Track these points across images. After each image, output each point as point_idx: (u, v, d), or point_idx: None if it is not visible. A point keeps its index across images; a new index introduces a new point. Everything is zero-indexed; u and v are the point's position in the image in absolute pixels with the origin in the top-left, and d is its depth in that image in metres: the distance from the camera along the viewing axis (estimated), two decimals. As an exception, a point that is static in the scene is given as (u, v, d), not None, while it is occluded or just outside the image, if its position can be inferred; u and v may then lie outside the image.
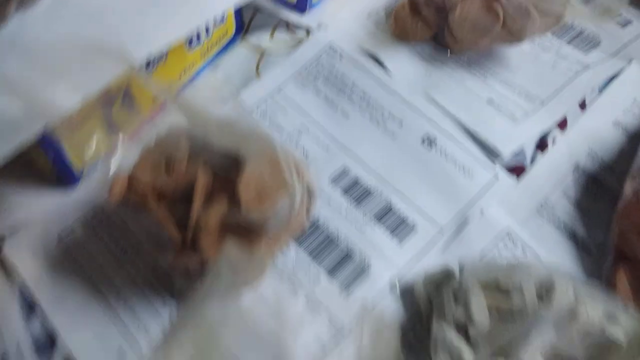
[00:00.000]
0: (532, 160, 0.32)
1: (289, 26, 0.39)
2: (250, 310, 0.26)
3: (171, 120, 0.26)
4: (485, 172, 0.31)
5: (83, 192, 0.30)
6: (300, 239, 0.29)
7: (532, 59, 0.36)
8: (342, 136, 0.33)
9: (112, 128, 0.31)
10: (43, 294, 0.27)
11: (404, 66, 0.36)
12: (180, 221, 0.23)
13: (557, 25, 0.33)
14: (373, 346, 0.17)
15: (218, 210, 0.22)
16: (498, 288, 0.22)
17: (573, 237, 0.29)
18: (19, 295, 0.27)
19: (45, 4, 0.24)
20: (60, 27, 0.23)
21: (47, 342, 0.26)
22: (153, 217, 0.23)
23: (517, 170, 0.31)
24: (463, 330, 0.22)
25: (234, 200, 0.22)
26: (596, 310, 0.20)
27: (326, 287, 0.27)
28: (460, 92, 0.34)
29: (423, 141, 0.32)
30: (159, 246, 0.25)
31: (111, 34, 0.23)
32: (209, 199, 0.23)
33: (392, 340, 0.18)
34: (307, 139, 0.33)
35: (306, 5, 0.38)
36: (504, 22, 0.33)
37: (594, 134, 0.32)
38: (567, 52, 0.36)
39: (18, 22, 0.23)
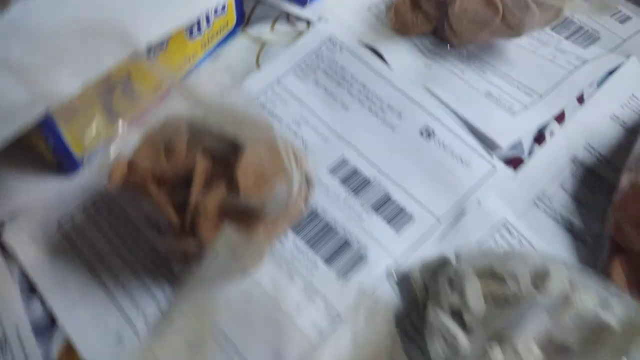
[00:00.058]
0: (530, 153, 0.32)
1: (289, 18, 0.39)
2: (248, 296, 0.26)
3: (172, 107, 0.26)
4: (483, 163, 0.31)
5: (83, 179, 0.30)
6: (298, 228, 0.29)
7: (531, 54, 0.36)
8: (341, 127, 0.33)
9: (112, 115, 0.31)
10: (42, 279, 0.27)
11: (404, 59, 0.36)
12: (179, 206, 0.23)
13: (556, 19, 0.33)
14: (369, 329, 0.17)
15: (217, 195, 0.22)
16: (493, 275, 0.23)
17: (569, 228, 0.29)
18: (19, 279, 0.27)
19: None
20: (64, 12, 0.23)
21: (47, 326, 0.26)
22: (152, 201, 0.23)
23: (514, 162, 0.31)
24: (458, 316, 0.22)
25: (232, 185, 0.23)
26: (590, 296, 0.20)
27: (323, 274, 0.28)
28: (459, 85, 0.34)
29: (422, 133, 0.32)
30: (158, 231, 0.25)
31: (115, 18, 0.23)
32: (208, 184, 0.23)
33: (387, 322, 0.18)
34: (306, 129, 0.33)
35: (307, -3, 0.38)
36: (503, 15, 0.33)
37: (592, 127, 0.32)
38: (566, 47, 0.36)
39: (22, 6, 0.23)
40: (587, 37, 0.37)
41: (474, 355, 0.20)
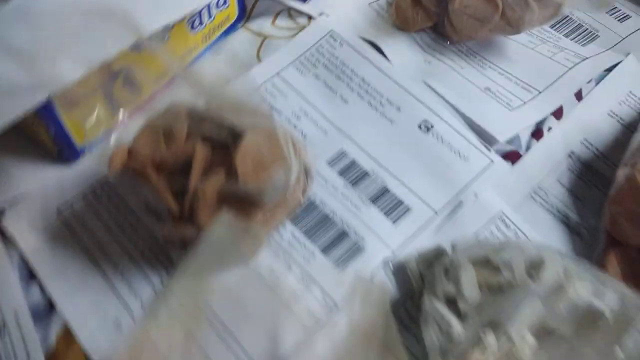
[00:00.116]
0: (527, 147, 0.32)
1: (290, 13, 0.39)
2: (245, 283, 0.26)
3: (174, 96, 0.27)
4: (481, 157, 0.31)
5: (83, 168, 0.31)
6: (296, 219, 0.29)
7: (530, 51, 0.36)
8: (341, 120, 0.33)
9: (113, 105, 0.31)
10: (42, 265, 0.27)
11: (404, 54, 0.36)
12: (178, 193, 0.24)
13: (555, 16, 0.34)
14: (364, 312, 0.18)
15: (216, 182, 0.23)
16: (488, 264, 0.23)
17: (565, 222, 0.29)
18: (18, 265, 0.28)
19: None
20: (69, -2, 0.23)
21: (45, 311, 0.26)
22: (151, 187, 0.23)
23: (512, 156, 0.31)
24: (453, 304, 0.22)
25: (231, 172, 0.23)
26: (584, 285, 0.20)
27: (321, 264, 0.28)
28: (458, 80, 0.35)
29: (420, 126, 0.33)
30: (157, 217, 0.25)
31: (119, 5, 0.24)
32: (207, 171, 0.23)
33: (383, 305, 0.18)
34: (305, 122, 0.33)
35: (309, -8, 0.38)
36: (503, 12, 0.33)
37: (589, 123, 0.33)
38: (564, 45, 0.36)
39: (26, -8, 0.23)
40: (586, 35, 0.37)
41: (468, 342, 0.20)
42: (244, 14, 0.39)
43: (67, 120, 0.29)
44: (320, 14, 0.38)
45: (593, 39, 0.37)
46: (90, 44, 0.24)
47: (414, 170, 0.31)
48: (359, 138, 0.32)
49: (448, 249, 0.27)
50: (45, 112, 0.27)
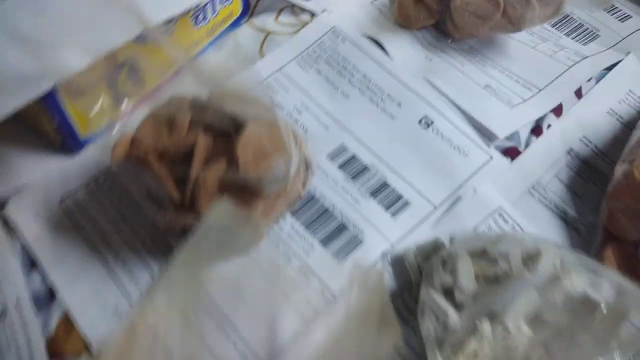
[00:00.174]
0: (527, 144, 0.32)
1: (294, 10, 0.39)
2: (245, 273, 0.27)
3: (178, 88, 0.27)
4: (480, 153, 0.32)
5: (86, 158, 0.31)
6: (296, 211, 0.29)
7: (530, 49, 0.37)
8: (342, 115, 0.33)
9: (117, 97, 0.32)
10: (43, 253, 0.28)
11: (405, 51, 0.36)
12: (180, 181, 0.24)
13: (556, 14, 0.34)
14: (362, 297, 0.18)
15: (217, 170, 0.23)
16: (485, 256, 0.23)
17: (563, 217, 0.29)
18: (20, 252, 0.28)
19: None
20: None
21: (46, 299, 0.27)
22: (153, 175, 0.24)
23: (511, 152, 0.32)
24: (450, 295, 0.23)
25: (232, 161, 0.23)
26: (580, 276, 0.21)
27: (320, 256, 0.28)
28: (459, 77, 0.35)
29: (420, 122, 0.33)
30: (158, 205, 0.25)
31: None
32: (209, 160, 0.24)
33: (380, 291, 0.18)
34: (307, 117, 0.33)
35: (312, -11, 0.39)
36: (504, 10, 0.34)
37: (589, 121, 0.33)
38: (565, 44, 0.37)
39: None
40: (587, 35, 0.37)
41: (464, 331, 0.21)
42: (248, 10, 0.39)
43: (71, 111, 0.29)
44: (323, 11, 0.39)
45: (594, 38, 0.37)
46: (96, 33, 0.24)
47: (414, 165, 0.31)
48: (359, 133, 0.33)
49: (446, 242, 0.27)
50: (50, 102, 0.28)
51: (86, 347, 0.25)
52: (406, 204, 0.30)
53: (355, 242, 0.29)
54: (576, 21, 0.38)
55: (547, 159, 0.31)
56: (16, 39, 0.22)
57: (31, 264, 0.28)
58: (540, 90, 0.34)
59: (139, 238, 0.28)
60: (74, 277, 0.27)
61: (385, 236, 0.29)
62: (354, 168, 0.31)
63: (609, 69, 0.35)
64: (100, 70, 0.29)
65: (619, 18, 0.38)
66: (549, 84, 0.34)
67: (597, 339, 0.20)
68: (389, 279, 0.27)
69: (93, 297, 0.27)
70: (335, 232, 0.29)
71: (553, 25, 0.38)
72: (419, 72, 0.35)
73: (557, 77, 0.35)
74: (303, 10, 0.39)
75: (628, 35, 0.37)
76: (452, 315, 0.21)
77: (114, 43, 0.25)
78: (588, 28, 0.37)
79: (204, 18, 0.35)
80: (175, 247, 0.28)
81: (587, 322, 0.20)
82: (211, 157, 0.24)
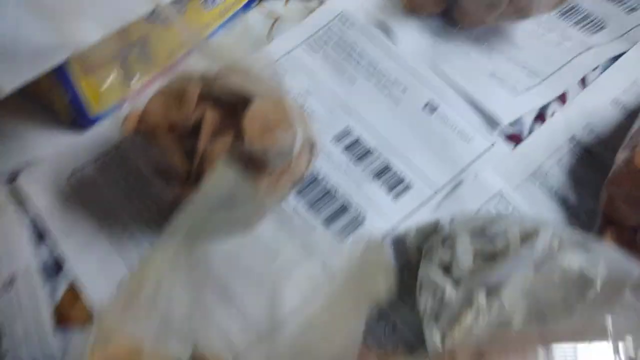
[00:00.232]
0: (530, 131, 0.32)
1: (303, -5, 0.40)
2: (248, 248, 0.27)
3: (188, 69, 0.27)
4: (483, 138, 0.32)
5: (96, 135, 0.32)
6: (300, 191, 0.30)
7: (537, 38, 0.37)
8: (347, 99, 0.34)
9: (128, 75, 0.32)
10: (53, 224, 0.28)
11: (413, 37, 0.37)
12: (187, 155, 0.25)
13: (563, 3, 0.34)
14: (363, 263, 0.18)
15: (224, 143, 0.24)
16: (484, 234, 0.23)
17: (564, 203, 0.30)
18: (30, 223, 0.29)
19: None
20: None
21: (53, 270, 0.27)
22: (162, 147, 0.24)
23: (514, 138, 0.32)
24: (448, 271, 0.23)
25: (239, 135, 0.24)
26: (576, 253, 0.21)
27: (322, 234, 0.28)
28: (465, 64, 0.35)
29: (425, 106, 0.33)
30: (166, 179, 0.26)
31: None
32: (217, 134, 0.24)
33: (381, 254, 0.19)
34: (313, 100, 0.34)
35: (321, -25, 0.39)
36: (511, -2, 0.34)
37: (593, 110, 0.33)
38: (572, 34, 0.37)
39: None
40: (594, 25, 0.37)
41: (460, 305, 0.21)
42: (257, -5, 0.40)
43: (83, 87, 0.30)
44: (332, -3, 0.39)
45: (600, 29, 0.37)
46: (110, 8, 0.25)
47: (417, 149, 0.32)
48: (364, 117, 0.33)
49: (446, 224, 0.27)
50: (62, 77, 0.29)
51: (91, 316, 0.26)
52: (408, 187, 0.30)
53: (357, 223, 0.29)
54: (583, 11, 0.38)
55: (550, 146, 0.32)
56: (33, 9, 0.23)
57: (39, 236, 0.28)
58: (545, 79, 0.34)
59: (147, 212, 0.29)
60: (82, 249, 0.28)
61: (386, 217, 0.29)
62: (357, 151, 0.32)
63: (615, 59, 0.35)
64: (112, 47, 0.30)
65: (626, 10, 0.38)
66: (554, 72, 0.35)
67: (591, 316, 0.20)
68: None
69: (100, 269, 0.27)
70: (338, 213, 0.30)
71: (560, 16, 0.38)
72: (425, 59, 0.36)
73: (562, 66, 0.35)
74: (312, -5, 0.40)
75: (635, 27, 0.37)
76: (449, 289, 0.22)
77: (127, 18, 0.26)
78: (595, 19, 0.37)
79: (214, 1, 0.35)
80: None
81: (582, 299, 0.21)
82: (218, 131, 0.24)
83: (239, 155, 0.23)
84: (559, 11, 0.38)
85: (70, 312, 0.26)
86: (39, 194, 0.30)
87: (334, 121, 0.33)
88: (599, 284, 0.20)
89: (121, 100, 0.32)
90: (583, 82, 0.34)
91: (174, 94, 0.25)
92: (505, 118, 0.32)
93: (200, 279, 0.25)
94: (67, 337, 0.25)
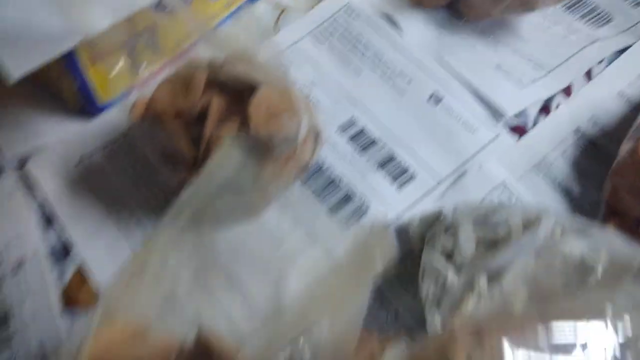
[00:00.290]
0: (535, 123, 0.33)
1: (309, -13, 0.40)
2: (253, 234, 0.28)
3: (195, 55, 0.28)
4: (488, 130, 0.32)
5: (104, 122, 0.32)
6: (305, 179, 0.30)
7: (543, 31, 0.37)
8: (353, 90, 0.34)
9: (135, 65, 0.33)
10: (61, 209, 0.29)
11: (418, 30, 0.37)
12: (194, 142, 0.25)
13: (569, -4, 0.34)
14: (366, 243, 0.18)
15: (230, 129, 0.24)
16: (487, 222, 0.24)
17: (567, 194, 0.30)
18: (38, 208, 0.29)
19: None
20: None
21: (62, 253, 0.28)
22: (169, 133, 0.24)
23: (518, 130, 0.32)
24: (450, 258, 0.23)
25: (245, 122, 0.24)
26: (578, 240, 0.21)
27: (326, 223, 0.29)
28: (471, 56, 0.35)
29: (430, 98, 0.33)
30: (173, 165, 0.26)
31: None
32: (223, 120, 0.25)
33: (385, 238, 0.19)
34: (318, 90, 0.34)
35: (327, -33, 0.39)
36: (517, -9, 0.34)
37: (598, 102, 0.33)
38: (578, 27, 0.37)
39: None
40: (600, 18, 0.37)
41: (461, 290, 0.21)
42: (264, -14, 0.40)
43: (91, 76, 0.30)
44: (339, -11, 0.39)
45: (607, 22, 0.37)
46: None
47: (422, 140, 0.32)
48: (369, 107, 0.33)
49: (449, 213, 0.27)
50: (71, 65, 0.29)
51: (98, 298, 0.26)
52: (412, 177, 0.31)
53: (361, 212, 0.30)
54: (589, 5, 0.38)
55: (554, 138, 0.32)
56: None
57: (48, 220, 0.29)
58: (550, 71, 0.34)
59: (154, 199, 0.29)
60: (89, 234, 0.28)
61: (390, 206, 0.29)
62: (362, 141, 0.32)
63: (620, 52, 0.35)
64: (120, 36, 0.30)
65: (632, 3, 0.38)
66: (559, 65, 0.35)
67: (592, 304, 0.20)
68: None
69: (107, 253, 0.28)
70: (342, 202, 0.30)
71: (566, 9, 0.38)
72: (431, 51, 0.36)
73: (568, 59, 0.35)
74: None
75: (641, 21, 0.37)
76: (451, 275, 0.22)
77: (135, 6, 0.26)
78: (601, 12, 0.37)
79: (221, -8, 0.36)
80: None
81: (583, 286, 0.21)
82: (225, 117, 0.25)
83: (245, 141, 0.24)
84: (565, 4, 0.38)
85: (77, 295, 0.26)
86: (48, 180, 0.30)
87: (339, 112, 0.33)
88: (600, 270, 0.20)
89: (129, 88, 0.33)
90: (588, 75, 0.34)
91: (181, 81, 0.26)
92: (510, 110, 0.32)
93: (205, 264, 0.25)
94: (74, 319, 0.26)
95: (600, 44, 0.36)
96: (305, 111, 0.26)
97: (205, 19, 0.35)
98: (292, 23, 0.37)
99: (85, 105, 0.32)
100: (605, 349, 0.14)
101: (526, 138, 0.32)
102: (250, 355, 0.17)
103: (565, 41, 0.36)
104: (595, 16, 0.37)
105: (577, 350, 0.14)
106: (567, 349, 0.14)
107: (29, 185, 0.30)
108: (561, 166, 0.31)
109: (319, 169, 0.31)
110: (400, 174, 0.31)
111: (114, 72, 0.31)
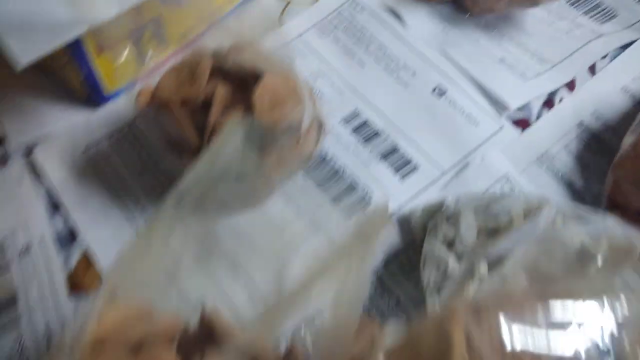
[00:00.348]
0: (538, 116, 0.33)
1: (315, -19, 0.40)
2: (256, 223, 0.28)
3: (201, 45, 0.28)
4: (491, 122, 0.32)
5: (110, 112, 0.33)
6: (308, 170, 0.30)
7: (547, 26, 0.37)
8: (357, 82, 0.34)
9: (140, 55, 0.33)
10: (67, 196, 0.29)
11: (423, 23, 0.37)
12: (199, 129, 0.25)
13: (574, -10, 0.34)
14: (366, 221, 0.18)
15: (234, 117, 0.24)
16: (488, 211, 0.24)
17: (570, 187, 0.30)
18: (45, 195, 0.29)
19: None
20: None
21: (67, 239, 0.28)
22: (174, 119, 0.25)
23: (522, 123, 0.32)
24: (452, 247, 0.23)
25: (249, 110, 0.24)
26: (579, 228, 0.21)
27: (329, 212, 0.29)
28: (475, 50, 0.35)
29: (434, 90, 0.34)
30: (178, 152, 0.27)
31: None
32: (227, 109, 0.25)
33: (385, 217, 0.19)
34: (323, 82, 0.34)
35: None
36: (522, -15, 0.34)
37: (601, 97, 0.33)
38: (582, 22, 0.37)
39: None
40: (605, 14, 0.37)
41: (462, 277, 0.21)
42: (270, -21, 0.40)
43: (98, 65, 0.31)
44: (343, -18, 0.39)
45: (611, 18, 0.37)
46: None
47: (425, 131, 0.32)
48: (373, 99, 0.33)
49: (451, 203, 0.28)
50: (78, 54, 0.29)
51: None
52: (415, 168, 0.31)
53: (364, 202, 0.30)
54: (594, 1, 0.38)
55: (557, 131, 0.32)
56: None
57: (55, 206, 0.29)
58: (554, 66, 0.34)
59: (159, 187, 0.30)
60: (95, 219, 0.29)
61: (393, 197, 0.30)
62: (366, 132, 0.32)
63: (624, 47, 0.35)
64: (126, 26, 0.31)
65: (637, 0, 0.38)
66: (563, 59, 0.35)
67: (592, 291, 0.21)
68: (395, 239, 0.28)
69: (112, 238, 0.28)
70: (345, 192, 0.30)
71: (570, 4, 0.38)
72: (435, 44, 0.36)
73: (572, 53, 0.35)
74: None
75: (646, 16, 0.37)
76: (452, 263, 0.22)
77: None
78: (605, 8, 0.38)
79: (227, -16, 0.36)
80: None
81: (583, 274, 0.21)
82: (229, 105, 0.25)
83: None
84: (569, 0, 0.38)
85: (83, 279, 0.27)
86: (54, 167, 0.30)
87: (343, 103, 0.33)
88: (600, 258, 0.20)
89: (134, 79, 0.33)
90: (592, 69, 0.35)
91: (187, 70, 0.26)
92: (513, 103, 0.33)
93: (208, 249, 0.25)
94: (80, 302, 0.26)
95: (605, 39, 0.36)
96: (309, 100, 0.26)
97: (211, 11, 0.36)
98: (297, 15, 0.37)
99: (92, 94, 0.32)
100: (602, 327, 0.15)
101: (529, 131, 0.32)
102: (253, 333, 0.17)
103: (570, 36, 0.36)
104: (600, 12, 0.37)
105: (573, 327, 0.14)
106: (563, 326, 0.14)
107: (36, 172, 0.30)
108: (564, 159, 0.31)
109: (323, 160, 0.31)
110: (403, 165, 0.31)
111: (119, 63, 0.32)
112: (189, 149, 0.25)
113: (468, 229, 0.23)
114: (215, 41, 0.28)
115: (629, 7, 0.38)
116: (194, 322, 0.20)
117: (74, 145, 0.31)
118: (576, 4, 0.38)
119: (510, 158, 0.31)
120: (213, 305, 0.20)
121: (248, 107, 0.24)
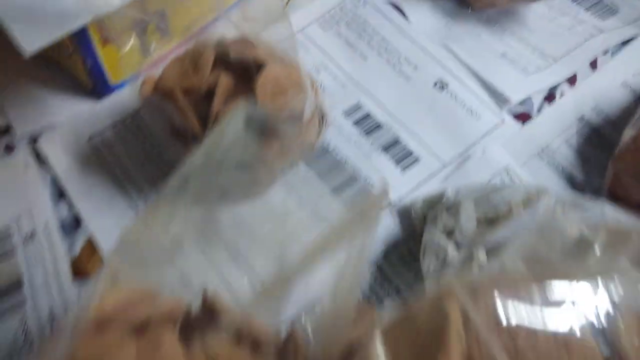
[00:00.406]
0: (539, 110, 0.33)
1: (318, -25, 0.40)
2: (258, 213, 0.28)
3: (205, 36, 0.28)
4: (492, 116, 0.32)
5: (114, 102, 0.33)
6: (310, 161, 0.31)
7: (549, 22, 0.37)
8: (359, 76, 0.35)
9: (145, 47, 0.33)
10: (71, 184, 0.30)
11: (425, 18, 0.37)
12: (202, 119, 0.25)
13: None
14: (363, 204, 0.18)
15: (237, 106, 0.24)
16: (488, 202, 0.24)
17: (570, 180, 0.30)
18: (50, 183, 0.30)
19: None
20: None
21: (72, 227, 0.29)
22: (177, 109, 0.25)
23: (523, 117, 0.32)
24: (451, 236, 0.24)
25: (252, 99, 0.24)
26: (577, 217, 0.21)
27: (330, 203, 0.29)
28: (477, 45, 0.36)
29: (435, 84, 0.34)
30: (181, 142, 0.27)
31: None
32: (230, 98, 0.25)
33: (382, 199, 0.19)
34: (325, 75, 0.35)
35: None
36: (524, -20, 0.34)
37: (602, 92, 0.33)
38: (584, 18, 0.37)
39: None
40: (607, 10, 0.37)
41: (461, 265, 0.22)
42: (274, -27, 0.40)
43: (102, 56, 0.31)
44: (347, -23, 0.39)
45: (613, 14, 0.37)
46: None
47: (426, 124, 0.32)
48: (375, 93, 0.34)
49: (452, 194, 0.28)
50: (83, 44, 0.30)
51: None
52: (416, 160, 0.31)
53: (365, 193, 0.30)
54: (596, -3, 0.38)
55: (558, 125, 0.32)
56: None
57: (59, 194, 0.30)
58: (556, 61, 0.35)
59: (161, 176, 0.30)
60: (98, 207, 0.29)
61: (393, 189, 0.30)
62: (368, 125, 0.32)
63: (625, 43, 0.35)
64: (130, 17, 0.31)
65: (640, -5, 0.38)
66: (565, 54, 0.35)
67: (590, 279, 0.21)
68: (395, 231, 0.28)
69: (115, 227, 0.28)
70: (347, 183, 0.30)
71: (573, 0, 0.38)
72: (437, 39, 0.36)
73: (573, 49, 0.35)
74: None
75: (648, 13, 0.37)
76: (452, 251, 0.22)
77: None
78: (608, 3, 0.38)
79: (230, -22, 0.36)
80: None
81: (581, 262, 0.21)
82: (232, 95, 0.25)
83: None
84: (572, -5, 0.38)
85: (87, 265, 0.27)
86: (59, 156, 0.31)
87: (345, 96, 0.34)
88: (598, 247, 0.21)
89: (139, 70, 0.33)
90: (593, 65, 0.35)
91: (190, 60, 0.26)
92: (515, 97, 0.33)
93: (209, 236, 0.26)
94: (83, 288, 0.26)
95: (606, 35, 0.36)
96: (311, 90, 0.26)
97: (215, 4, 0.36)
98: (300, 9, 0.38)
99: (96, 85, 0.33)
100: (596, 306, 0.15)
101: (530, 125, 0.32)
102: (253, 312, 0.18)
103: (571, 32, 0.36)
104: (602, 8, 0.38)
105: (568, 305, 0.15)
106: (558, 304, 0.15)
107: (41, 160, 0.31)
108: (564, 153, 0.31)
109: (325, 151, 0.31)
110: (404, 157, 0.31)
111: (123, 54, 0.32)
112: (192, 139, 0.26)
113: (468, 220, 0.23)
114: (218, 33, 0.28)
115: (630, 3, 0.38)
116: (195, 305, 0.20)
117: (78, 135, 0.31)
118: (578, 0, 0.38)
119: (511, 152, 0.31)
120: (214, 289, 0.20)
121: (251, 96, 0.24)
